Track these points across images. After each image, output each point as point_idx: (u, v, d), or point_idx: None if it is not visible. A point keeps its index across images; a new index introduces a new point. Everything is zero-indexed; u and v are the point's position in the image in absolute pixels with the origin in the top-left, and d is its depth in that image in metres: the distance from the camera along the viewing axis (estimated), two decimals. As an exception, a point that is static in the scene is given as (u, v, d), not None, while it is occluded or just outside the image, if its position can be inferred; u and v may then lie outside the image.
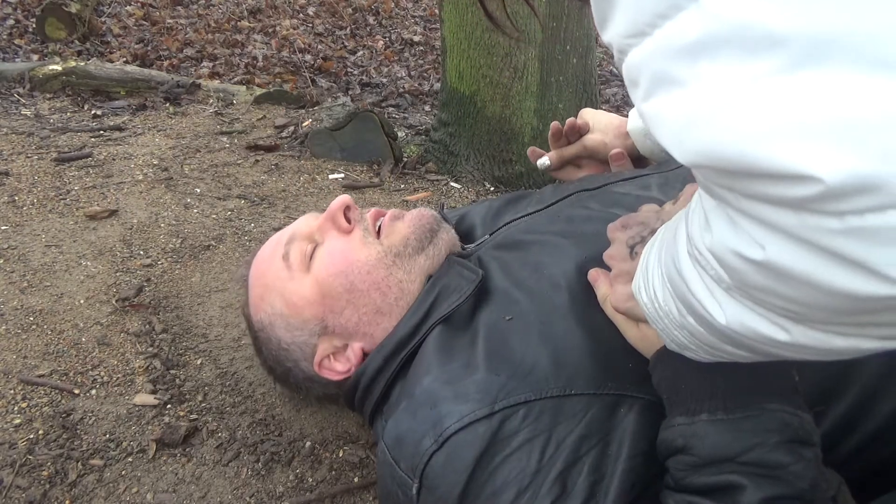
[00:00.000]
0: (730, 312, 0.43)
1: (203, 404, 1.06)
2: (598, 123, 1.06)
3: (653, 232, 0.64)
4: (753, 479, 0.57)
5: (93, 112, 2.25)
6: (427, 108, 2.82)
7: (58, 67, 2.41)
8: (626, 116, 1.09)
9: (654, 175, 0.92)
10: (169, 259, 1.41)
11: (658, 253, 0.55)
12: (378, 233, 0.88)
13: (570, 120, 1.06)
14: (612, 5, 0.37)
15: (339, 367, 0.87)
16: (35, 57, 2.98)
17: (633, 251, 0.66)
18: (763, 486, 0.57)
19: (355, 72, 3.17)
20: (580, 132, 1.06)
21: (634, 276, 0.62)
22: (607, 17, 0.38)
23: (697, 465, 0.60)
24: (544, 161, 1.09)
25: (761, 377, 0.60)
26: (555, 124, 1.06)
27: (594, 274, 0.72)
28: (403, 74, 3.17)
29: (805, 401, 0.61)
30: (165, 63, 3.05)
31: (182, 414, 1.03)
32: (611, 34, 0.38)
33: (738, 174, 0.33)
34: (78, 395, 1.05)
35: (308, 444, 0.99)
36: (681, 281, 0.47)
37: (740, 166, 0.33)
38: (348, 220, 0.88)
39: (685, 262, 0.46)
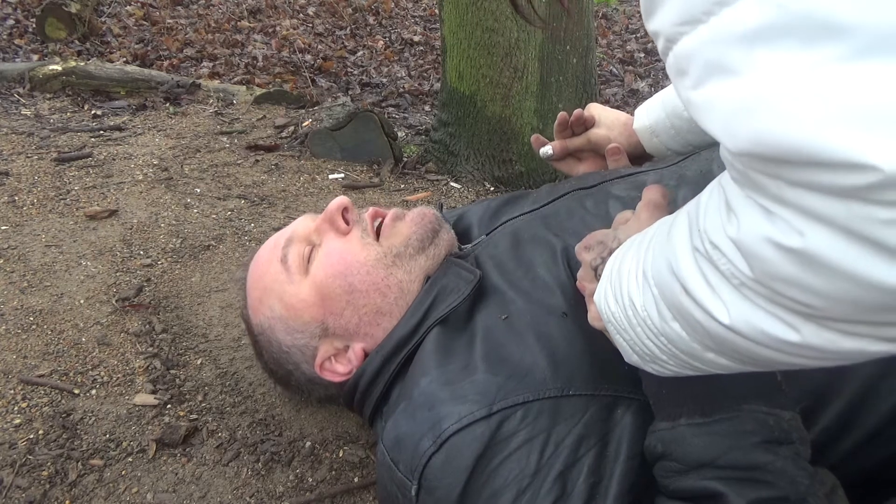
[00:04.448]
0: (736, 311, 0.42)
1: (203, 404, 1.06)
2: (606, 119, 1.06)
3: (611, 252, 0.64)
4: (733, 484, 0.57)
5: (93, 112, 2.25)
6: (427, 108, 2.82)
7: (58, 67, 2.41)
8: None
9: (649, 173, 0.92)
10: (169, 259, 1.41)
11: (636, 259, 0.54)
12: (377, 233, 0.88)
13: (577, 111, 1.06)
14: None
15: (340, 369, 0.87)
16: (35, 57, 2.98)
17: (597, 273, 0.66)
18: (744, 490, 0.57)
19: (355, 72, 3.17)
20: (586, 125, 1.07)
21: (597, 290, 0.62)
22: (657, 5, 0.38)
23: (680, 471, 0.60)
24: (547, 150, 1.10)
25: (741, 378, 0.60)
26: (562, 114, 1.07)
27: (581, 284, 0.72)
28: (403, 74, 3.17)
29: (789, 398, 0.61)
30: (165, 63, 3.05)
31: (182, 414, 1.03)
32: (659, 22, 0.38)
33: (788, 162, 0.33)
34: (78, 395, 1.05)
35: (308, 444, 0.99)
36: (674, 282, 0.47)
37: (794, 153, 0.32)
38: (346, 222, 0.88)
39: (685, 262, 0.46)
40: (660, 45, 0.40)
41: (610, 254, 0.64)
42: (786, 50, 0.32)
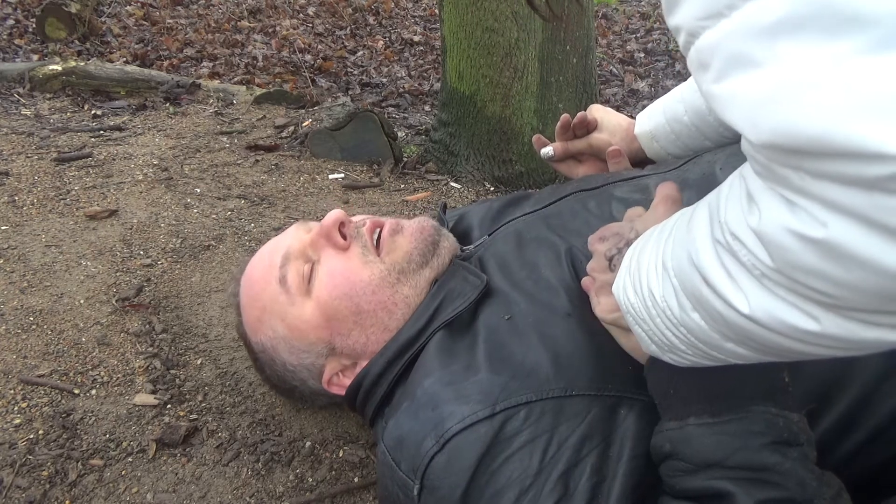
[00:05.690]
0: (755, 302, 0.42)
1: (203, 404, 1.06)
2: (608, 124, 1.07)
3: (628, 243, 0.64)
4: (742, 484, 0.57)
5: (93, 112, 2.25)
6: (427, 108, 2.82)
7: (58, 67, 2.41)
8: (629, 117, 1.09)
9: (652, 176, 0.92)
10: (169, 259, 1.41)
11: (656, 250, 0.55)
12: (377, 248, 0.86)
13: (580, 114, 1.06)
14: None
15: (348, 383, 0.86)
16: (35, 57, 2.98)
17: (612, 264, 0.66)
18: (752, 490, 0.57)
19: (355, 72, 3.17)
20: (588, 128, 1.07)
21: (615, 280, 0.62)
22: (679, 0, 0.38)
23: (688, 471, 0.60)
24: (548, 151, 1.10)
25: (749, 378, 0.60)
26: (565, 116, 1.07)
27: (587, 282, 0.72)
28: (403, 74, 3.17)
29: (795, 400, 0.61)
30: (165, 63, 3.05)
31: (182, 414, 1.03)
32: (681, 17, 0.39)
33: (811, 153, 0.33)
34: (78, 395, 1.05)
35: (308, 444, 0.99)
36: (694, 273, 0.47)
37: (817, 144, 0.33)
38: (344, 236, 0.86)
39: (705, 253, 0.46)
40: (681, 39, 0.40)
41: (627, 245, 0.64)
42: (808, 42, 0.32)
